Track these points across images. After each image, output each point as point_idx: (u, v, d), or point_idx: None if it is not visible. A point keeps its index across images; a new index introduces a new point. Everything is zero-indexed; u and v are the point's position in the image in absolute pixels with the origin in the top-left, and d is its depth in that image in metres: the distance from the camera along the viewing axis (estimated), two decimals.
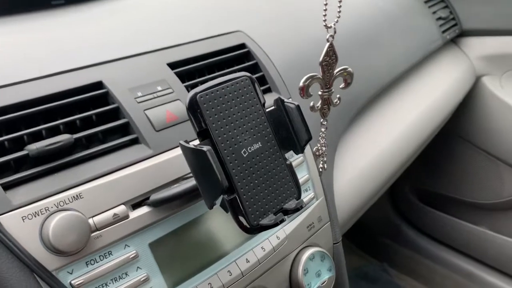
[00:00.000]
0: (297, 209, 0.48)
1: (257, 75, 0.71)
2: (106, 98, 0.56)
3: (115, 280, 0.48)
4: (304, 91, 0.47)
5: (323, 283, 0.66)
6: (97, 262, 0.47)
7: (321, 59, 0.47)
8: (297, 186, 0.49)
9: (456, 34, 1.37)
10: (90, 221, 0.47)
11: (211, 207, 0.45)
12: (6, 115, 0.49)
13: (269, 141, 0.47)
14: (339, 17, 0.45)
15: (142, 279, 0.49)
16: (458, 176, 1.53)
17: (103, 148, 0.52)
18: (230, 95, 0.46)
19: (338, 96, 0.51)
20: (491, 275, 1.48)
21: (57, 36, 0.65)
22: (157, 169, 0.53)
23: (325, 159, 0.53)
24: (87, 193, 0.48)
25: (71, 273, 0.46)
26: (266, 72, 0.72)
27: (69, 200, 0.47)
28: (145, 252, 0.50)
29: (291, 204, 0.48)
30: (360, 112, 0.94)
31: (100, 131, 0.53)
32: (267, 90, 0.71)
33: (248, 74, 0.48)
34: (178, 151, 0.55)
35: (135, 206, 0.51)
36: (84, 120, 0.54)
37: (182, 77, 0.63)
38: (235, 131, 0.45)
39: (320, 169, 0.54)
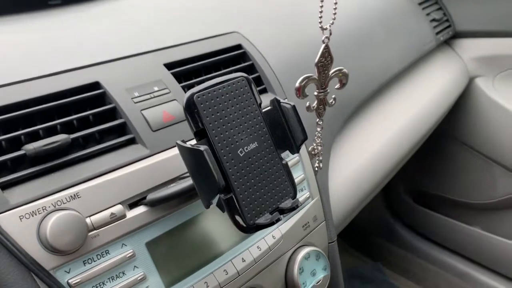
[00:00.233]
0: (293, 208, 0.48)
1: (253, 75, 0.71)
2: (103, 98, 0.56)
3: (112, 279, 0.48)
4: (300, 92, 0.48)
5: (318, 282, 0.67)
6: (94, 261, 0.47)
7: (316, 60, 0.47)
8: (293, 185, 0.50)
9: (449, 35, 1.38)
10: (87, 220, 0.47)
11: (207, 207, 0.45)
12: (3, 115, 0.49)
13: (265, 141, 0.48)
14: (334, 19, 0.46)
15: (139, 278, 0.50)
16: (451, 176, 1.54)
17: (100, 148, 0.53)
18: (227, 95, 0.46)
19: (333, 96, 0.51)
20: (484, 274, 1.49)
21: (54, 36, 0.65)
22: (154, 168, 0.53)
23: (320, 158, 0.53)
24: (84, 192, 0.48)
25: (68, 272, 0.46)
26: (262, 73, 0.72)
27: (67, 200, 0.47)
28: (142, 251, 0.51)
29: (287, 203, 0.48)
30: (355, 113, 0.94)
31: (97, 131, 0.54)
32: (263, 91, 0.71)
33: (245, 74, 0.48)
34: (174, 151, 0.55)
35: (132, 205, 0.51)
36: (81, 120, 0.54)
37: (179, 77, 0.63)
38: (232, 131, 0.46)
39: (316, 168, 0.54)
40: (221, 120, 0.45)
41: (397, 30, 1.14)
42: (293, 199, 0.49)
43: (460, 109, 1.41)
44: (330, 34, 0.46)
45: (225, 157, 0.45)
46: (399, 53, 1.12)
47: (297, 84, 0.48)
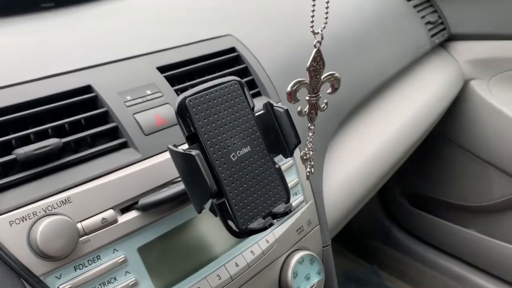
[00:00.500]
0: (286, 213, 0.48)
1: (246, 79, 0.71)
2: (95, 102, 0.56)
3: (103, 285, 0.48)
4: (292, 96, 0.48)
5: (312, 286, 0.67)
6: (85, 267, 0.47)
7: (308, 64, 0.47)
8: (286, 189, 0.49)
9: (444, 38, 1.38)
10: (79, 225, 0.47)
11: (200, 211, 0.45)
12: None
13: (258, 145, 0.48)
14: (326, 23, 0.46)
15: (131, 283, 0.49)
16: (447, 179, 1.54)
17: (91, 152, 0.52)
18: (219, 99, 0.46)
19: (325, 101, 0.51)
20: (480, 277, 1.49)
21: (46, 39, 0.64)
22: (146, 173, 0.53)
23: (312, 163, 0.53)
24: (75, 197, 0.48)
25: (59, 278, 0.45)
26: (255, 76, 0.72)
27: (57, 205, 0.46)
28: (134, 256, 0.50)
29: (280, 207, 0.48)
30: (349, 116, 0.94)
31: (89, 135, 0.53)
32: (257, 94, 0.71)
33: (237, 78, 0.48)
34: (167, 155, 0.55)
35: (124, 210, 0.51)
36: (72, 124, 0.54)
37: (172, 80, 0.63)
38: (224, 135, 0.45)
39: (308, 173, 0.54)
40: (214, 124, 0.45)
41: (392, 32, 1.15)
42: (286, 204, 0.49)
43: (455, 111, 1.42)
44: (322, 38, 0.46)
45: (217, 162, 0.44)
46: (394, 56, 1.12)
47: (288, 89, 0.47)
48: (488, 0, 1.32)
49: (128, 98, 0.57)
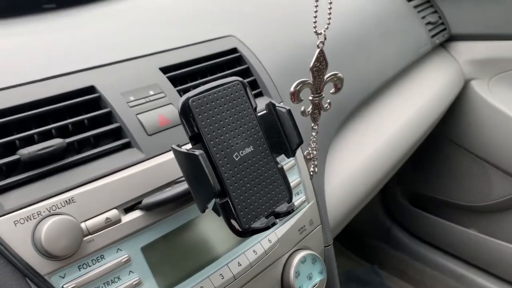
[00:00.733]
0: (289, 212, 0.48)
1: (248, 79, 0.71)
2: (98, 102, 0.56)
3: (107, 284, 0.48)
4: (295, 96, 0.48)
5: (314, 286, 0.67)
6: (89, 266, 0.47)
7: (311, 65, 0.47)
8: (289, 189, 0.50)
9: (445, 38, 1.38)
10: (83, 225, 0.47)
11: (203, 211, 0.45)
12: None
13: (260, 145, 0.48)
14: (329, 23, 0.46)
15: (135, 283, 0.50)
16: (447, 179, 1.55)
17: (95, 153, 0.52)
18: (222, 99, 0.46)
19: (328, 101, 0.51)
20: (481, 277, 1.49)
21: (49, 40, 0.65)
22: (149, 173, 0.53)
23: (316, 162, 0.53)
24: (79, 197, 0.48)
25: (63, 277, 0.46)
26: (257, 77, 0.72)
27: (61, 205, 0.47)
28: (138, 256, 0.51)
29: (282, 207, 0.48)
30: (351, 116, 0.95)
31: (92, 136, 0.53)
32: (259, 94, 0.71)
33: (240, 78, 0.48)
34: (170, 155, 0.55)
35: (128, 210, 0.51)
36: (76, 125, 0.54)
37: (174, 81, 0.63)
38: (227, 135, 0.46)
39: (311, 173, 0.54)
40: (217, 124, 0.45)
41: (393, 33, 1.15)
42: (288, 203, 0.49)
43: (456, 111, 1.42)
44: (325, 39, 0.46)
45: (220, 162, 0.45)
46: (394, 56, 1.12)
47: (291, 89, 0.48)
48: (489, 1, 1.33)
49: (131, 98, 0.57)
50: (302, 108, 0.50)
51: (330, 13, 0.46)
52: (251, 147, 0.47)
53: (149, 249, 0.52)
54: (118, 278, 0.49)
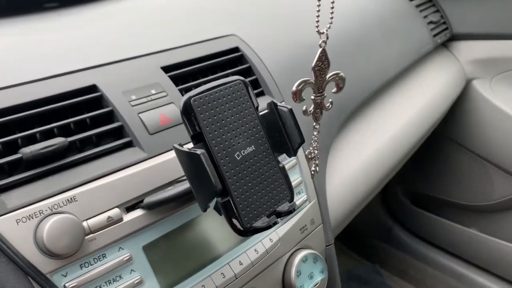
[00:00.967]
0: (290, 212, 0.48)
1: (250, 78, 0.71)
2: (100, 101, 0.56)
3: (109, 283, 0.48)
4: (297, 96, 0.48)
5: (315, 285, 0.67)
6: (91, 265, 0.47)
7: (313, 64, 0.47)
8: (290, 188, 0.50)
9: (447, 38, 1.38)
10: (84, 224, 0.47)
11: (205, 210, 0.45)
12: (0, 118, 0.49)
13: (262, 144, 0.48)
14: (331, 23, 0.46)
15: (136, 281, 0.50)
16: (449, 178, 1.55)
17: (97, 151, 0.52)
18: (224, 98, 0.46)
19: (330, 100, 0.51)
20: (481, 276, 1.49)
21: (51, 39, 0.65)
22: (151, 172, 0.53)
23: (317, 162, 0.53)
24: (81, 196, 0.48)
25: (65, 276, 0.46)
26: (259, 76, 0.72)
27: (63, 203, 0.47)
28: (139, 254, 0.51)
29: (284, 206, 0.48)
30: (352, 116, 0.95)
31: (94, 134, 0.54)
32: (260, 94, 0.72)
33: (242, 78, 0.48)
34: (171, 154, 0.55)
35: (129, 209, 0.51)
36: (78, 124, 0.54)
37: (176, 80, 0.63)
38: (229, 134, 0.46)
39: (313, 172, 0.54)
40: (218, 124, 0.45)
41: (395, 32, 1.15)
42: (290, 203, 0.49)
43: (457, 111, 1.42)
44: (327, 38, 0.46)
45: (222, 161, 0.45)
46: (396, 56, 1.12)
47: (293, 88, 0.48)
48: (490, 0, 1.32)
49: (133, 97, 0.57)
50: (304, 108, 0.50)
51: (332, 13, 0.46)
52: (252, 146, 0.47)
53: (151, 248, 0.52)
54: (120, 277, 0.49)
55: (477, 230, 1.50)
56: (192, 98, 0.44)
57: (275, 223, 0.46)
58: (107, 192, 0.50)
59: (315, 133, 0.52)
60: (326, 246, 0.74)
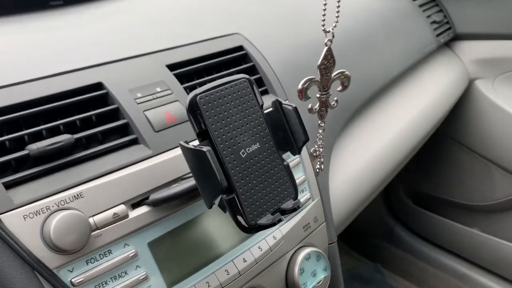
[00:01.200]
0: (294, 209, 0.49)
1: (254, 77, 0.71)
2: (105, 98, 0.57)
3: (114, 279, 0.49)
4: (303, 94, 0.48)
5: (318, 283, 0.67)
6: (97, 261, 0.48)
7: (319, 62, 0.48)
8: (294, 186, 0.50)
9: (450, 37, 1.38)
10: (91, 220, 0.47)
11: (210, 207, 0.46)
12: (7, 115, 0.50)
13: (267, 142, 0.48)
14: (337, 21, 0.47)
15: (141, 277, 0.50)
16: (451, 178, 1.55)
17: (103, 148, 0.53)
18: (229, 96, 0.47)
19: (335, 98, 0.52)
20: (483, 276, 1.49)
21: (57, 37, 0.65)
22: (156, 169, 0.54)
23: (322, 160, 0.53)
24: (87, 192, 0.48)
25: (71, 271, 0.46)
26: (263, 74, 0.72)
27: (70, 200, 0.47)
28: (144, 251, 0.51)
29: (288, 204, 0.49)
30: (355, 115, 0.95)
31: (100, 132, 0.54)
32: (264, 92, 0.72)
33: (247, 76, 0.48)
34: (177, 152, 0.56)
35: (135, 205, 0.52)
36: (84, 121, 0.54)
37: (181, 78, 0.64)
38: (234, 132, 0.46)
39: (317, 170, 0.55)
40: (224, 121, 0.46)
41: (398, 32, 1.15)
42: (294, 200, 0.49)
43: (460, 111, 1.42)
44: (333, 37, 0.47)
45: (227, 158, 0.45)
46: (399, 55, 1.12)
47: (299, 86, 0.48)
48: (493, 0, 1.32)
49: (139, 95, 0.57)
50: (309, 106, 0.51)
51: (338, 12, 0.46)
52: (257, 144, 0.48)
53: (156, 245, 0.52)
54: (125, 273, 0.49)
55: (479, 230, 1.50)
56: (198, 96, 0.45)
57: (279, 220, 0.47)
58: (113, 188, 0.50)
59: (320, 131, 0.53)
60: (329, 244, 0.74)
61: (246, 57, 0.74)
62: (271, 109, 0.50)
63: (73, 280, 0.46)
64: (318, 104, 0.51)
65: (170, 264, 0.53)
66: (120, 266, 0.49)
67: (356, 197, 0.87)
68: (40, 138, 0.50)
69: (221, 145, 0.45)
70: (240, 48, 0.74)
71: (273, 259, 0.63)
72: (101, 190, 0.49)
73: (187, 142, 0.45)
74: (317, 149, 0.54)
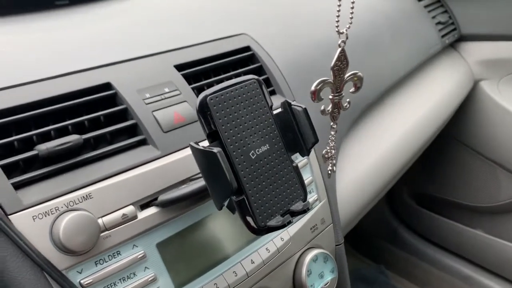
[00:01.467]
0: (304, 211, 0.48)
1: (261, 77, 0.71)
2: (114, 99, 0.57)
3: (123, 280, 0.48)
4: (316, 95, 0.48)
5: (326, 284, 0.67)
6: (106, 262, 0.48)
7: (332, 64, 0.47)
8: (303, 188, 0.50)
9: (455, 38, 1.38)
10: (100, 221, 0.47)
11: (220, 208, 0.46)
12: (15, 116, 0.49)
13: (276, 143, 0.48)
14: (351, 23, 0.46)
15: (150, 279, 0.50)
16: (455, 179, 1.54)
17: (111, 149, 0.53)
18: (239, 97, 0.46)
19: (348, 100, 0.51)
20: (488, 278, 1.49)
21: (64, 37, 0.65)
22: (165, 170, 0.53)
23: (334, 162, 0.53)
24: (96, 193, 0.48)
25: (80, 273, 0.46)
26: (270, 75, 0.72)
27: (79, 200, 0.47)
28: (153, 252, 0.51)
29: (298, 205, 0.48)
30: (362, 116, 0.95)
31: (109, 132, 0.54)
32: (272, 93, 0.72)
33: (256, 77, 0.48)
34: (185, 152, 0.56)
35: (144, 206, 0.51)
36: (92, 121, 0.54)
37: (189, 79, 0.64)
38: (244, 133, 0.46)
39: (329, 172, 0.54)
40: (233, 122, 0.45)
41: (403, 33, 1.15)
42: (303, 202, 0.49)
43: (465, 112, 1.42)
44: (347, 38, 0.46)
45: (237, 159, 0.45)
46: (405, 56, 1.12)
47: (312, 88, 0.48)
48: (499, 1, 1.32)
49: (147, 95, 0.57)
50: (322, 107, 0.50)
51: (352, 13, 0.46)
52: (267, 145, 0.47)
53: (164, 246, 0.52)
54: (134, 274, 0.49)
55: (483, 232, 1.50)
56: (208, 97, 0.44)
57: (289, 222, 0.46)
58: (122, 189, 0.50)
59: (333, 132, 0.52)
60: (336, 245, 0.74)
61: (253, 58, 0.73)
62: (280, 110, 0.50)
63: (82, 281, 0.46)
64: (330, 106, 0.50)
65: (178, 265, 0.53)
66: (129, 267, 0.49)
67: (363, 198, 0.87)
68: (48, 139, 0.50)
69: (231, 146, 0.45)
70: (247, 48, 0.73)
71: (280, 260, 0.63)
72: (110, 191, 0.49)
73: (197, 143, 0.45)
74: (329, 150, 0.53)
